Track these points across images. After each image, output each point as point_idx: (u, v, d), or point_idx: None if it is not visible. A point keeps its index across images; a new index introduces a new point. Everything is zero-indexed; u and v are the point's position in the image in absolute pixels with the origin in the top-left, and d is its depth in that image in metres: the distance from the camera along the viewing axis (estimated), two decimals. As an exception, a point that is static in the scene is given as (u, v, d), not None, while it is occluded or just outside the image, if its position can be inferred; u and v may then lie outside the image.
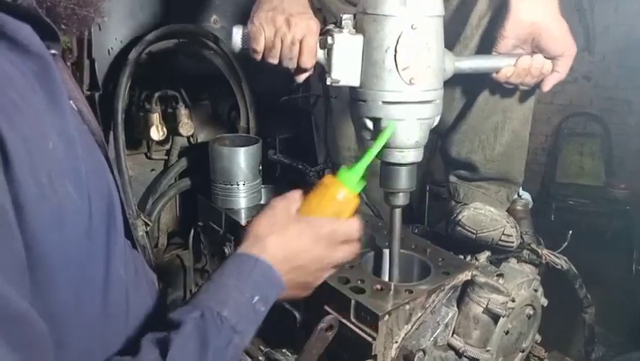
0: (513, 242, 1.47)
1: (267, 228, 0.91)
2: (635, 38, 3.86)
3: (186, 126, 1.64)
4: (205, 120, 1.86)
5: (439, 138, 1.66)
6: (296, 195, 0.98)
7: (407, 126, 1.14)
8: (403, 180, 1.20)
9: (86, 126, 0.79)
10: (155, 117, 1.58)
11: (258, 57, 1.19)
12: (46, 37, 0.69)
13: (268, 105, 1.86)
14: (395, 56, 1.09)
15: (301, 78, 1.25)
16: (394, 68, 1.10)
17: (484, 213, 1.47)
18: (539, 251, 1.49)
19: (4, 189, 0.57)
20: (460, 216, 1.49)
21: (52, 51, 0.72)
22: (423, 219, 2.46)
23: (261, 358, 1.25)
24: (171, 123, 1.63)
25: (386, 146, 1.16)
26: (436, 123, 1.21)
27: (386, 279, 1.29)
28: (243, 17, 1.21)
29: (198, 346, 0.73)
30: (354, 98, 1.19)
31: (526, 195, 1.70)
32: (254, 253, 0.86)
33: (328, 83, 1.17)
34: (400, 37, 1.09)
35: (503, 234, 1.47)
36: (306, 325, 1.27)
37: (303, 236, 0.91)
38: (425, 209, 2.93)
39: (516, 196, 1.68)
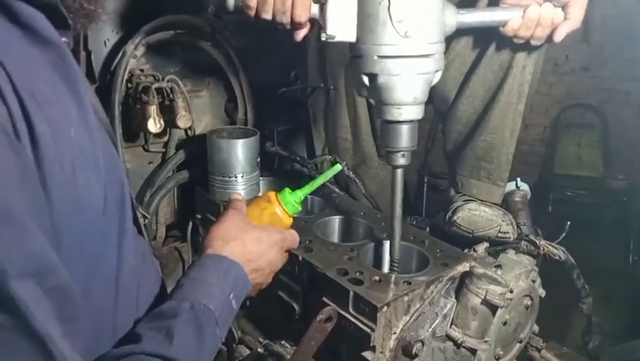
0: (510, 238, 1.48)
1: (230, 232, 0.98)
2: (632, 29, 3.85)
3: (184, 119, 1.63)
4: (203, 112, 1.85)
5: (439, 121, 1.64)
6: (242, 204, 1.08)
7: (404, 81, 1.11)
8: (404, 138, 1.16)
9: (96, 116, 0.79)
10: (153, 109, 1.57)
11: (252, 13, 1.17)
12: (58, 26, 0.70)
13: (266, 97, 1.85)
14: (389, 7, 1.06)
15: (299, 36, 1.22)
16: (389, 21, 1.07)
17: (478, 215, 1.47)
18: (537, 242, 1.49)
19: (34, 173, 0.59)
20: (455, 217, 1.48)
21: (64, 39, 0.72)
22: (421, 211, 2.46)
23: (260, 349, 1.25)
24: (169, 115, 1.62)
25: (384, 102, 1.14)
26: (436, 80, 1.16)
27: (385, 270, 1.29)
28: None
29: (196, 333, 0.79)
30: (352, 55, 1.16)
31: (524, 187, 1.70)
32: (226, 254, 0.93)
33: (323, 39, 1.14)
34: None
35: (499, 232, 1.47)
36: (304, 316, 1.27)
37: (261, 241, 1.00)
38: (423, 201, 2.94)
39: (514, 187, 1.68)
